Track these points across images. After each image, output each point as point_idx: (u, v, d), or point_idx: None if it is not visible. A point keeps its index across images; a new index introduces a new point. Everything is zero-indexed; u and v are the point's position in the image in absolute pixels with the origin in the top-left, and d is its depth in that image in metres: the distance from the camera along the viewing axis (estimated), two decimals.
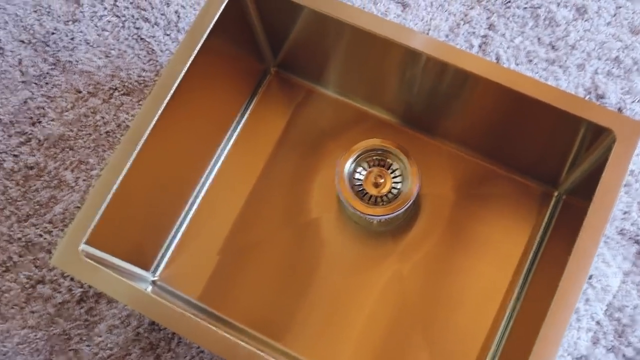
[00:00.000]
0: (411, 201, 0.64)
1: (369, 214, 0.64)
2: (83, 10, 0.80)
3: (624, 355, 0.63)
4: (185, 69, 0.58)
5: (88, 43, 0.78)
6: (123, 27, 0.79)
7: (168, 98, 0.57)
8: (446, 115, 0.68)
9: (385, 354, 0.64)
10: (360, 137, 0.68)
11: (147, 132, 0.57)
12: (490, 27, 0.75)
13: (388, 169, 0.67)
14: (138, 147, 0.56)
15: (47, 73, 0.78)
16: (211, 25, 0.59)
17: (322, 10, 0.60)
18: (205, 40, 0.59)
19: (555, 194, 0.67)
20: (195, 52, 0.58)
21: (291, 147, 0.72)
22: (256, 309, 0.66)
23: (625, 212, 0.67)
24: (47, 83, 0.77)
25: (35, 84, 0.77)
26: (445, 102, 0.65)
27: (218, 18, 0.60)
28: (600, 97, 0.71)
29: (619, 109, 0.71)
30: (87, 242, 0.54)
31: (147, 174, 0.60)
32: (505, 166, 0.69)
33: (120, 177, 0.55)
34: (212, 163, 0.72)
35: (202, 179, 0.71)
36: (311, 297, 0.66)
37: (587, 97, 0.71)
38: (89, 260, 0.53)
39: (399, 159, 0.66)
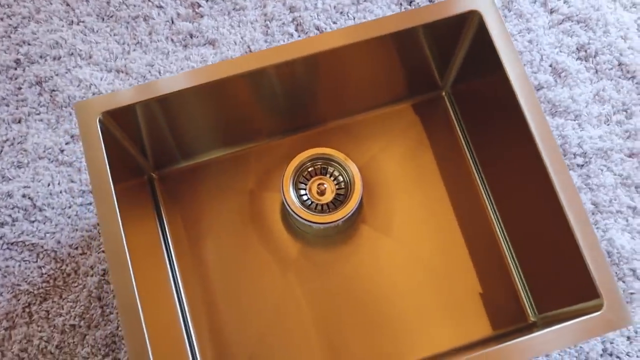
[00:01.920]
0: (361, 188, 0.66)
1: (337, 219, 0.66)
2: None
3: (579, 165, 0.73)
4: (122, 233, 0.55)
5: None
6: None
7: (129, 259, 0.54)
8: (318, 101, 0.71)
9: (440, 316, 0.67)
10: (275, 168, 0.69)
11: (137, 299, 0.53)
12: (291, 9, 0.78)
13: (324, 174, 0.69)
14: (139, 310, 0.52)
15: None
16: (109, 176, 0.56)
17: (152, 96, 0.59)
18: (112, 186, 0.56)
19: (443, 93, 0.74)
20: (117, 210, 0.55)
21: (226, 219, 0.71)
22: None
23: None
24: None
25: None
26: (309, 93, 0.68)
27: (108, 161, 0.57)
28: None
29: None
30: None
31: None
32: (390, 103, 0.74)
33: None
34: (172, 279, 0.69)
35: (175, 294, 0.68)
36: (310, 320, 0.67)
37: (411, 6, 0.79)
38: None
39: (330, 159, 0.68)
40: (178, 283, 0.69)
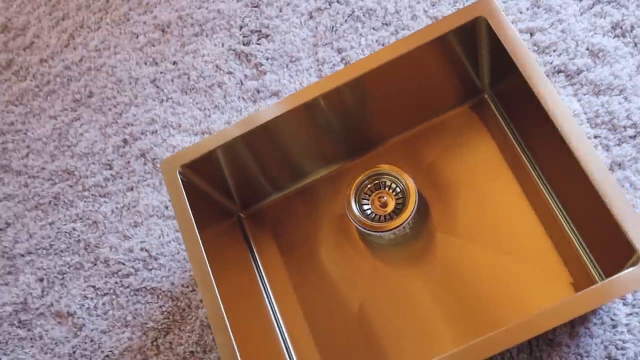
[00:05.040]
0: (416, 192, 0.73)
1: (396, 226, 0.72)
2: (79, 318, 0.84)
3: (630, 137, 0.74)
4: (209, 269, 0.66)
5: (105, 332, 0.83)
6: (116, 295, 0.84)
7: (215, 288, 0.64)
8: (372, 123, 0.79)
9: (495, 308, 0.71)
10: (341, 195, 0.78)
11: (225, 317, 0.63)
12: (339, 50, 0.88)
13: (382, 188, 0.76)
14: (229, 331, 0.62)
15: None
16: (193, 220, 0.68)
17: (227, 140, 0.70)
18: (200, 236, 0.67)
19: (485, 95, 0.80)
20: (202, 248, 0.67)
21: (312, 249, 0.80)
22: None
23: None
24: None
25: None
26: (362, 116, 0.77)
27: (191, 210, 0.68)
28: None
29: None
30: None
31: (242, 341, 0.66)
32: (439, 113, 0.80)
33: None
34: (266, 294, 0.78)
35: (272, 313, 0.77)
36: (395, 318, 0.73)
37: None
38: None
39: (384, 174, 0.76)
40: (276, 311, 0.78)
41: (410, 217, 0.73)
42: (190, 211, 0.68)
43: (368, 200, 0.76)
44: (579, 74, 0.78)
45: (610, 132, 0.75)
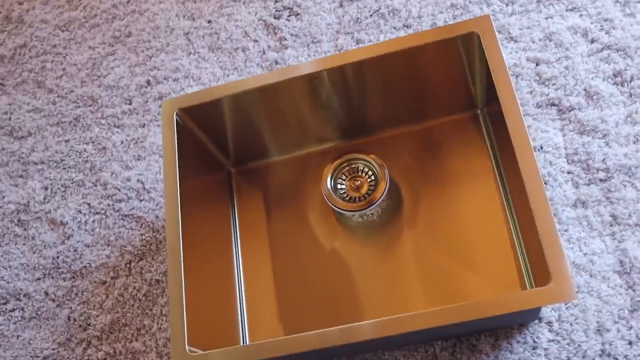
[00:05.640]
0: (387, 182, 0.78)
1: (361, 209, 0.78)
2: (69, 228, 0.93)
3: (600, 180, 0.77)
4: (179, 209, 0.72)
5: (88, 246, 0.91)
6: (106, 216, 0.92)
7: (180, 222, 0.71)
8: (369, 111, 0.84)
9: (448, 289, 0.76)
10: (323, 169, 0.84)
11: (181, 253, 0.70)
12: (358, 41, 0.94)
13: (359, 173, 0.82)
14: (181, 259, 0.69)
15: (72, 286, 0.89)
16: (177, 161, 0.74)
17: (233, 92, 0.76)
18: (179, 177, 0.74)
19: (478, 111, 0.84)
20: (178, 189, 0.73)
21: (282, 211, 0.86)
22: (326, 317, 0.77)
23: (530, 92, 0.84)
24: (76, 294, 0.89)
25: (69, 300, 0.89)
26: (361, 101, 0.81)
27: (178, 150, 0.75)
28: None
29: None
30: (189, 344, 0.65)
31: (197, 283, 0.72)
32: (432, 118, 0.85)
33: (183, 290, 0.68)
34: (234, 248, 0.85)
35: (235, 267, 0.84)
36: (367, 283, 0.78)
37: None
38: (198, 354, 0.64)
39: (361, 160, 0.81)
40: (239, 257, 0.85)
41: (376, 204, 0.78)
42: (176, 151, 0.75)
43: (344, 181, 0.82)
44: (570, 110, 0.81)
45: (583, 171, 0.78)
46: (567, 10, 0.87)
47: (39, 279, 0.91)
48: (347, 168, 0.82)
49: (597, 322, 0.71)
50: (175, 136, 0.76)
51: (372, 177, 0.81)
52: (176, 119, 0.77)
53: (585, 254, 0.74)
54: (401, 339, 0.73)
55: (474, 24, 0.71)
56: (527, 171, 0.63)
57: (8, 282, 0.92)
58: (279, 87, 0.77)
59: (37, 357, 0.87)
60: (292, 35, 0.97)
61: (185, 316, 0.67)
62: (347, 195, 0.81)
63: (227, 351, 0.65)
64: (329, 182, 0.81)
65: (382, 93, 0.81)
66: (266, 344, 0.64)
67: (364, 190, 0.81)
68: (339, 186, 0.81)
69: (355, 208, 0.79)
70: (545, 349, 0.71)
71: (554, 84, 0.83)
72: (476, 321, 0.63)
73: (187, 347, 0.65)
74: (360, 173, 0.82)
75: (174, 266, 0.70)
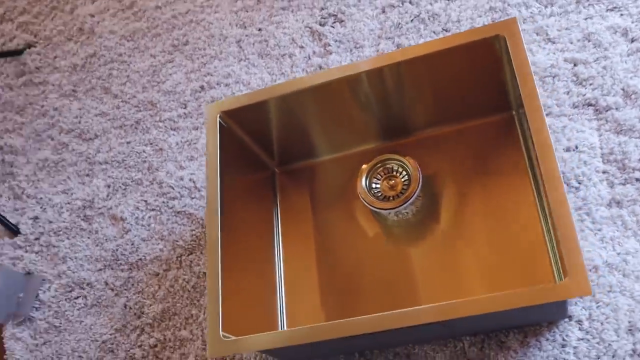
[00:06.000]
0: (419, 182, 0.81)
1: (401, 205, 0.80)
2: (128, 223, 1.00)
3: (637, 179, 0.76)
4: (219, 206, 0.77)
5: (144, 240, 0.98)
6: (160, 212, 0.99)
7: (219, 220, 0.76)
8: (407, 111, 0.86)
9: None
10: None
11: (219, 249, 0.75)
12: (399, 46, 0.96)
13: (393, 173, 0.84)
14: (219, 258, 0.74)
15: (129, 277, 0.96)
16: (219, 165, 0.79)
17: (280, 93, 0.80)
18: (221, 176, 0.79)
19: (513, 113, 0.85)
20: (218, 187, 0.78)
21: (323, 208, 0.90)
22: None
23: (567, 92, 0.84)
24: (132, 285, 0.96)
25: (126, 289, 0.96)
26: (398, 101, 0.84)
27: (220, 154, 0.80)
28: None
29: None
30: (224, 330, 0.70)
31: (237, 275, 0.77)
32: (468, 119, 0.86)
33: (220, 282, 0.73)
34: (276, 243, 0.90)
35: (276, 261, 0.88)
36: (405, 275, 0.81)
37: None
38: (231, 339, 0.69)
39: (395, 161, 0.84)
40: (280, 252, 0.89)
41: (409, 202, 0.80)
42: (218, 153, 0.80)
43: (379, 181, 0.85)
44: (607, 110, 0.81)
45: (619, 170, 0.78)
46: (607, 10, 0.87)
47: (100, 269, 0.99)
48: (381, 168, 0.85)
49: (629, 322, 0.71)
50: (218, 138, 0.81)
51: (406, 177, 0.83)
52: (220, 122, 0.82)
53: (619, 254, 0.74)
54: (430, 333, 0.75)
55: (501, 26, 0.72)
56: (548, 173, 0.64)
57: (73, 272, 1.00)
58: (317, 89, 0.80)
59: (97, 341, 0.94)
60: (336, 41, 1.01)
61: (220, 305, 0.71)
62: (381, 195, 0.84)
63: (260, 337, 0.70)
64: (363, 182, 0.84)
65: (418, 95, 0.83)
66: (298, 331, 0.68)
67: (399, 189, 0.83)
68: (373, 185, 0.84)
69: (388, 207, 0.81)
70: (575, 347, 0.71)
71: (591, 84, 0.83)
72: (502, 316, 0.64)
73: (221, 332, 0.70)
74: (394, 173, 0.84)
75: (212, 259, 0.75)
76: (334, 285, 0.85)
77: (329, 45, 1.01)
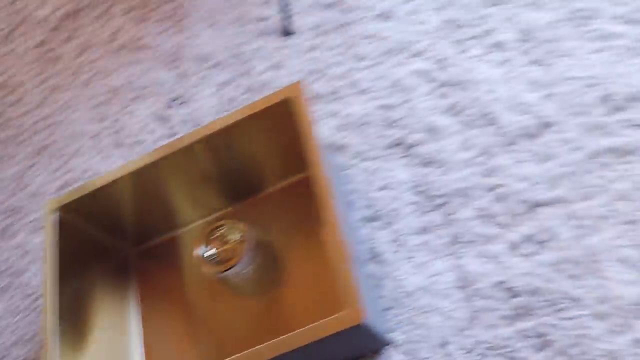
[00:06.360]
0: (250, 238, 0.84)
1: (231, 267, 0.84)
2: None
3: (438, 205, 0.81)
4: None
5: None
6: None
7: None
8: (239, 175, 0.91)
9: None
10: None
11: None
12: None
13: (226, 236, 0.88)
14: None
15: None
16: (57, 262, 0.82)
17: (107, 181, 0.84)
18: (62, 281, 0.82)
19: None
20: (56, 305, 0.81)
21: (186, 283, 0.92)
22: None
23: (379, 136, 0.90)
24: None
25: None
26: (221, 172, 0.88)
27: (61, 249, 0.83)
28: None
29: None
30: None
31: None
32: (291, 175, 0.91)
33: None
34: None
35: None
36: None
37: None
38: None
39: (224, 226, 0.88)
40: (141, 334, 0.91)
41: (239, 263, 0.83)
42: (57, 255, 0.82)
43: (213, 247, 0.88)
44: (413, 147, 0.87)
45: (426, 199, 0.82)
46: (411, 56, 0.94)
47: None
48: (218, 234, 0.88)
49: (441, 337, 0.73)
50: (57, 236, 0.84)
51: (238, 238, 0.87)
52: (59, 218, 0.85)
53: (429, 277, 0.77)
54: None
55: (287, 91, 0.78)
56: (329, 228, 0.67)
57: None
58: (150, 168, 0.84)
59: None
60: (181, 121, 1.07)
61: None
62: (217, 259, 0.87)
63: None
64: (199, 251, 0.87)
65: (237, 163, 0.88)
66: None
67: (234, 251, 0.86)
68: (208, 252, 0.87)
69: (221, 269, 0.84)
70: None
71: (398, 125, 0.89)
72: (314, 352, 0.66)
73: None
74: (227, 237, 0.88)
75: None
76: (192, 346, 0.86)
77: (175, 127, 1.07)
